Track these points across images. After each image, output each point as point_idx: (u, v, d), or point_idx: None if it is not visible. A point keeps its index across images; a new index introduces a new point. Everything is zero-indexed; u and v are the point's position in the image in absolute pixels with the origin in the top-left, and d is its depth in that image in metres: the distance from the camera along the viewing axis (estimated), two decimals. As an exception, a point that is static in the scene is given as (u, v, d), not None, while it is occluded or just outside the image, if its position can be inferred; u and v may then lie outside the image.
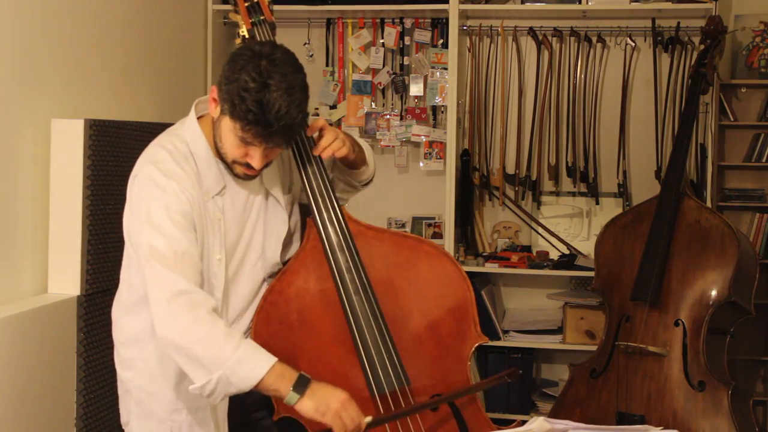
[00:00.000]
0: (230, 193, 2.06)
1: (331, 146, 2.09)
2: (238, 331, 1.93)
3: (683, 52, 4.12)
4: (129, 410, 2.14)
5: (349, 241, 2.09)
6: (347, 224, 2.11)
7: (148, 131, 3.02)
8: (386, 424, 2.03)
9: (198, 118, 2.07)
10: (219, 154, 2.02)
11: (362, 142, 2.28)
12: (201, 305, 1.89)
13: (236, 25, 2.21)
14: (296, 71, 1.92)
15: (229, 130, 1.92)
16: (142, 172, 1.99)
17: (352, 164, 2.22)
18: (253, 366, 1.86)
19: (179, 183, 1.95)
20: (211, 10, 4.13)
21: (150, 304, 1.92)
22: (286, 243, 2.18)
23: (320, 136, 2.11)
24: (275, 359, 1.88)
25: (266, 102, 1.84)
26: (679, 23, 4.07)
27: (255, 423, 2.16)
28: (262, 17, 2.20)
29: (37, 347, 2.54)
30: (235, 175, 2.03)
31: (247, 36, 2.20)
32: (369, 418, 1.93)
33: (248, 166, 1.97)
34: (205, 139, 2.03)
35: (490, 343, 3.82)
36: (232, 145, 1.95)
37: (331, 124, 4.38)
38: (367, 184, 2.33)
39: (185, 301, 1.88)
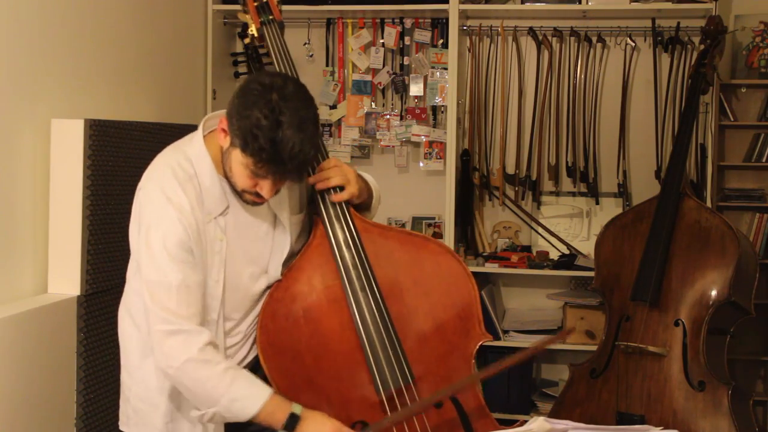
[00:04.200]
0: (234, 212, 2.06)
1: (327, 182, 2.11)
2: (232, 367, 1.97)
3: (683, 52, 4.12)
4: (128, 416, 2.16)
5: (356, 238, 2.10)
6: (354, 222, 2.12)
7: (148, 131, 3.03)
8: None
9: (206, 134, 2.06)
10: (225, 174, 2.01)
11: (376, 191, 2.28)
12: (192, 344, 1.92)
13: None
14: (307, 105, 1.91)
15: (240, 163, 1.92)
16: (145, 189, 2.00)
17: (356, 206, 2.21)
18: (246, 404, 1.92)
19: (178, 210, 1.95)
20: (211, 10, 4.13)
21: (149, 332, 1.97)
22: (288, 259, 2.18)
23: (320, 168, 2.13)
24: (267, 395, 1.93)
25: (279, 140, 1.84)
26: (679, 23, 4.07)
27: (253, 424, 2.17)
28: (271, 17, 2.21)
29: (37, 347, 2.53)
30: (245, 201, 2.03)
31: (256, 35, 2.21)
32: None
33: (257, 194, 1.97)
34: (211, 161, 2.02)
35: (490, 343, 3.81)
36: (242, 177, 1.95)
37: (330, 125, 4.41)
38: None
39: (178, 342, 1.92)
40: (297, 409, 1.94)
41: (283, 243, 2.14)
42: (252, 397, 1.93)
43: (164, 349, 1.93)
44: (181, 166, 2.01)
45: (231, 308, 2.08)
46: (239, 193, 2.01)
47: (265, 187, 1.94)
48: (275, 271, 2.14)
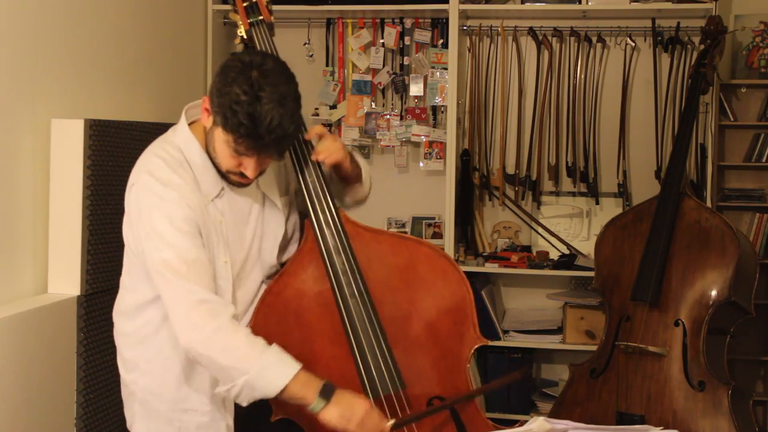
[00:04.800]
0: (228, 196, 2.06)
1: (327, 149, 2.09)
2: (261, 338, 1.93)
3: (683, 52, 4.12)
4: (133, 412, 2.15)
5: (345, 243, 2.09)
6: (344, 226, 2.10)
7: (148, 131, 3.03)
8: None
9: (189, 123, 2.07)
10: (210, 155, 2.02)
11: (362, 161, 2.29)
12: (221, 313, 1.90)
13: (236, 25, 2.21)
14: (288, 81, 1.91)
15: (222, 141, 1.93)
16: (138, 182, 1.99)
17: (346, 177, 2.21)
18: (278, 373, 1.87)
19: (177, 190, 1.95)
20: (211, 10, 4.13)
21: (169, 315, 1.93)
22: (284, 245, 2.18)
23: (318, 141, 2.12)
24: (299, 366, 1.89)
25: (258, 115, 1.84)
26: (679, 23, 4.07)
27: (264, 423, 2.16)
28: (260, 17, 2.20)
29: (37, 347, 2.53)
30: (230, 183, 2.04)
31: (245, 36, 2.21)
32: (392, 422, 1.94)
33: (242, 175, 1.97)
34: (199, 144, 2.03)
35: (490, 343, 3.82)
36: (225, 156, 1.95)
37: (330, 125, 4.42)
38: (358, 203, 2.33)
39: (205, 311, 1.89)
40: (329, 381, 1.92)
41: (273, 224, 2.14)
42: (284, 366, 1.88)
43: (192, 319, 1.89)
44: (169, 153, 2.01)
45: (236, 298, 2.07)
46: (224, 175, 2.01)
47: (248, 166, 1.94)
48: (270, 256, 2.13)
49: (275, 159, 2.01)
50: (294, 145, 2.11)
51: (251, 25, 2.20)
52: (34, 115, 2.71)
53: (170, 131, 2.10)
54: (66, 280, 2.71)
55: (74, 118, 2.75)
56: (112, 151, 2.82)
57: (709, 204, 3.88)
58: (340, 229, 2.10)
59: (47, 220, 2.73)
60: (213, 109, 1.92)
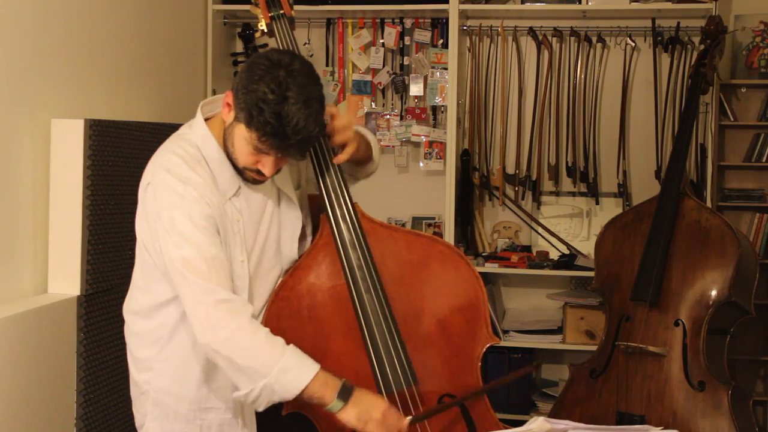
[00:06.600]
0: (245, 194, 2.06)
1: (344, 135, 2.08)
2: (280, 338, 1.92)
3: (683, 52, 4.12)
4: (145, 412, 2.12)
5: (362, 238, 2.09)
6: (360, 222, 2.10)
7: (148, 131, 3.03)
8: None
9: (205, 119, 2.06)
10: (227, 151, 2.00)
11: (369, 135, 2.28)
12: (242, 313, 1.89)
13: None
14: (314, 83, 1.92)
15: (243, 138, 1.92)
16: (155, 180, 1.97)
17: (359, 161, 2.21)
18: (298, 374, 1.87)
19: (196, 188, 1.94)
20: (211, 10, 4.13)
21: (188, 314, 1.92)
22: (300, 238, 2.18)
23: (332, 120, 2.11)
24: (318, 366, 1.89)
25: (285, 115, 1.84)
26: (679, 23, 4.07)
27: (281, 417, 2.15)
28: (281, 11, 2.20)
29: (37, 347, 2.54)
30: (245, 179, 2.03)
31: (266, 30, 2.21)
32: (408, 418, 1.95)
33: (258, 172, 1.97)
34: (216, 142, 2.01)
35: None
36: (244, 153, 1.94)
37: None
38: (368, 176, 2.34)
39: (226, 310, 1.88)
40: (347, 381, 1.91)
41: (291, 219, 2.14)
42: (304, 367, 1.87)
43: (212, 320, 1.87)
44: (186, 151, 1.99)
45: (252, 301, 2.07)
46: (240, 171, 2.00)
47: (267, 164, 1.94)
48: (289, 251, 2.13)
49: (296, 159, 2.01)
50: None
51: (272, 18, 2.20)
52: (34, 115, 2.71)
53: (185, 128, 2.08)
54: (66, 280, 2.71)
55: (74, 118, 2.75)
56: (112, 151, 2.82)
57: (709, 204, 3.88)
58: (357, 224, 2.09)
59: (47, 220, 2.74)
60: (237, 105, 1.90)
